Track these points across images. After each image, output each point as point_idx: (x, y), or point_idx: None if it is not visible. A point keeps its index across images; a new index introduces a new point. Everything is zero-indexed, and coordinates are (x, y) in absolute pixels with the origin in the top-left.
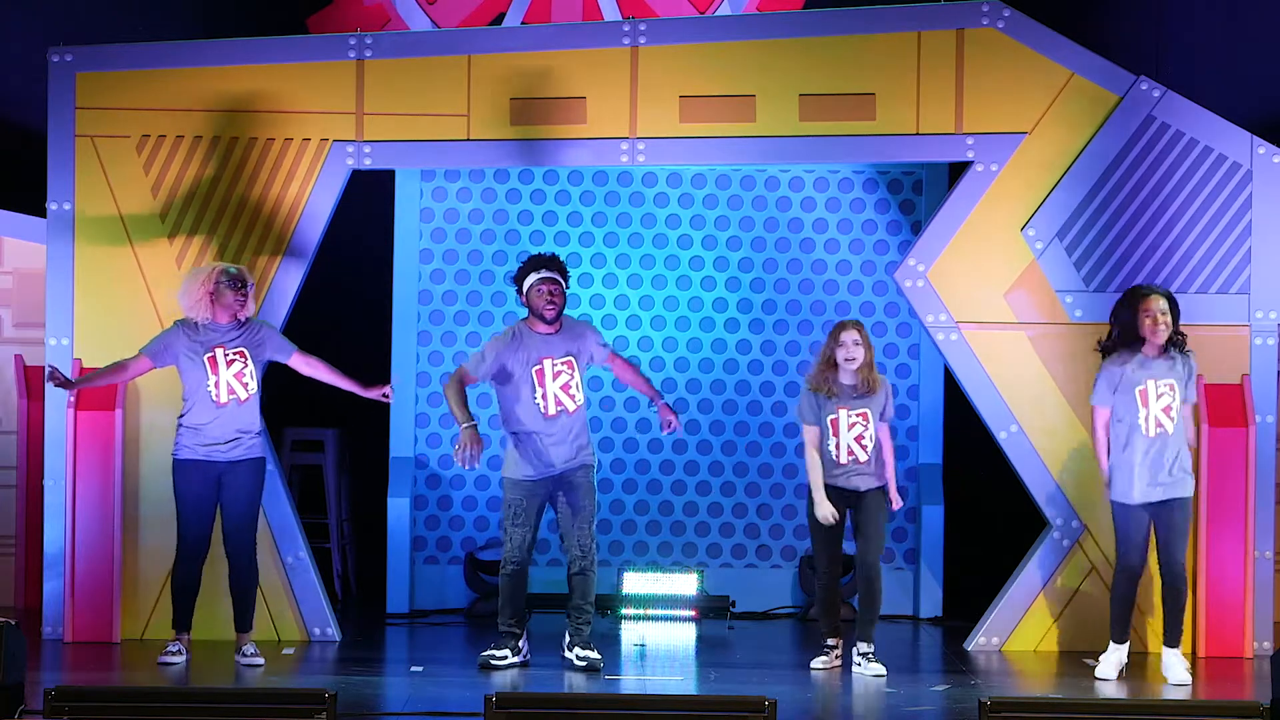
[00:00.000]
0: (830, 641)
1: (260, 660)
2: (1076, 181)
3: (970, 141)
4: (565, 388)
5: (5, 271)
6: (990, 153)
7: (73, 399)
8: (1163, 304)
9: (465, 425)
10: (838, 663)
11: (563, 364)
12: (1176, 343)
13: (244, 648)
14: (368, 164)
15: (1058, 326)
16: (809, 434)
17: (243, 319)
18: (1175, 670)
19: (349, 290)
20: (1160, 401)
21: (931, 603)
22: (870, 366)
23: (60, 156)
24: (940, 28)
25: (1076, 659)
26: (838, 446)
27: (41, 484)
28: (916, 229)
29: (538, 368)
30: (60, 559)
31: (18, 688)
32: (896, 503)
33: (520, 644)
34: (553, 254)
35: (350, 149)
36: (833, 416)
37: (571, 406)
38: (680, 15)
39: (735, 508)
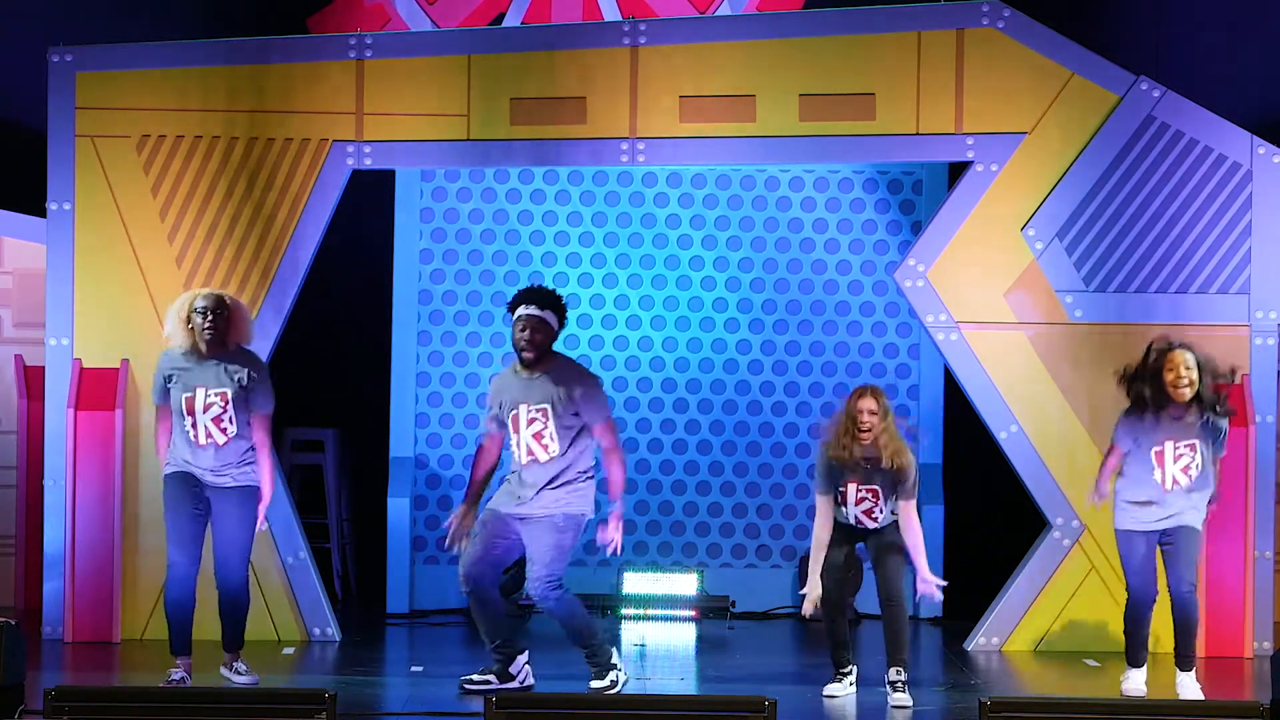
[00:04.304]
0: (845, 669)
1: (253, 677)
2: (1076, 181)
3: (970, 141)
4: (538, 436)
5: (5, 271)
6: (990, 153)
7: (73, 399)
8: (1189, 358)
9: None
10: (852, 689)
11: (538, 411)
12: (1205, 402)
13: (235, 664)
14: (368, 164)
15: (1058, 326)
16: (819, 502)
17: (232, 346)
18: (1188, 690)
19: (349, 290)
20: (1179, 463)
21: (931, 603)
22: (889, 436)
23: (60, 156)
24: (940, 28)
25: (1076, 659)
26: (845, 514)
27: (41, 484)
28: (916, 229)
29: (514, 412)
30: (60, 559)
31: (18, 688)
32: (931, 589)
33: (513, 669)
34: (541, 285)
35: (350, 149)
36: (842, 489)
37: (543, 457)
38: (680, 15)
39: (735, 508)
